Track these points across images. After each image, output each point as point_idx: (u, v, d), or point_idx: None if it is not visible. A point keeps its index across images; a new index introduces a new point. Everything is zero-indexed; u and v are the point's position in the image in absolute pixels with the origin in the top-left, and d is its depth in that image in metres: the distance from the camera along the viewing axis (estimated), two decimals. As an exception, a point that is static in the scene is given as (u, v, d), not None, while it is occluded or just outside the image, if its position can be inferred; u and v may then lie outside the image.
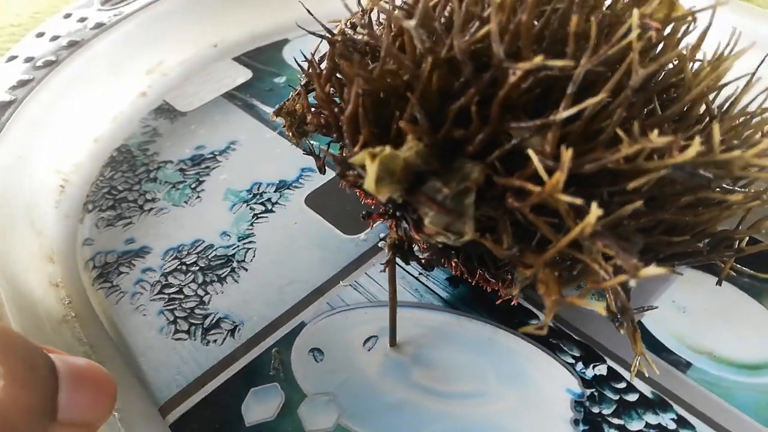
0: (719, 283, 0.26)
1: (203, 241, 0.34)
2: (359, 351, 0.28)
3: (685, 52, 0.22)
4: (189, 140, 0.40)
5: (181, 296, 0.31)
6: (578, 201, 0.17)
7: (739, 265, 0.26)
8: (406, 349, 0.28)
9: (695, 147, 0.17)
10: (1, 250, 0.31)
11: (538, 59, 0.17)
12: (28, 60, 0.40)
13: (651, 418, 0.25)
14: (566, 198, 0.17)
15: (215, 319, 0.30)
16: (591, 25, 0.19)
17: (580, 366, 0.27)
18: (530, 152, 0.18)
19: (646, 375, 0.26)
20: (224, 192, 0.37)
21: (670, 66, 0.23)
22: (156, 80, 0.44)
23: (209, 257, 0.33)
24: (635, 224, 0.21)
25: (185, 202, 0.36)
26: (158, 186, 0.38)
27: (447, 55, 0.19)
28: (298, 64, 0.24)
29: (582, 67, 0.18)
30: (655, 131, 0.17)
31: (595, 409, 0.26)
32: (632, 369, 0.25)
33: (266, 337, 0.29)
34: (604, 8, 0.21)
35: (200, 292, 0.31)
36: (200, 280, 0.32)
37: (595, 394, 0.26)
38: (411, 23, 0.18)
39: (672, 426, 0.25)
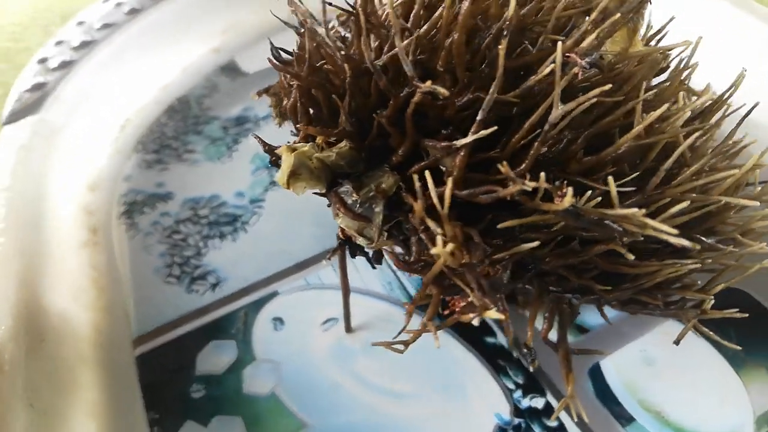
0: (677, 342, 0.24)
1: (220, 197, 0.36)
2: (316, 329, 0.30)
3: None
4: (240, 101, 0.43)
5: (184, 244, 0.34)
6: (439, 231, 0.17)
7: (706, 329, 0.24)
8: (359, 336, 0.29)
9: (568, 198, 0.16)
10: (46, 172, 0.36)
11: (427, 84, 0.17)
12: (118, 5, 0.44)
13: (568, 464, 0.24)
14: (430, 223, 0.17)
15: (204, 272, 0.33)
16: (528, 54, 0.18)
17: (518, 394, 0.26)
18: (428, 179, 0.18)
19: (586, 420, 0.25)
20: (252, 155, 0.39)
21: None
22: (231, 39, 0.47)
23: (219, 213, 0.35)
24: (555, 263, 0.21)
25: (218, 159, 0.39)
26: (200, 139, 0.40)
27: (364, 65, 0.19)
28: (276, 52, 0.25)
29: (490, 96, 0.18)
30: (542, 175, 0.17)
31: (516, 440, 0.25)
32: (556, 409, 0.24)
33: (241, 297, 0.31)
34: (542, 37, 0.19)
35: (200, 244, 0.34)
36: (204, 233, 0.35)
37: (523, 425, 0.25)
38: (321, 30, 0.18)
39: (587, 477, 0.24)
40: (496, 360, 0.27)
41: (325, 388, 0.27)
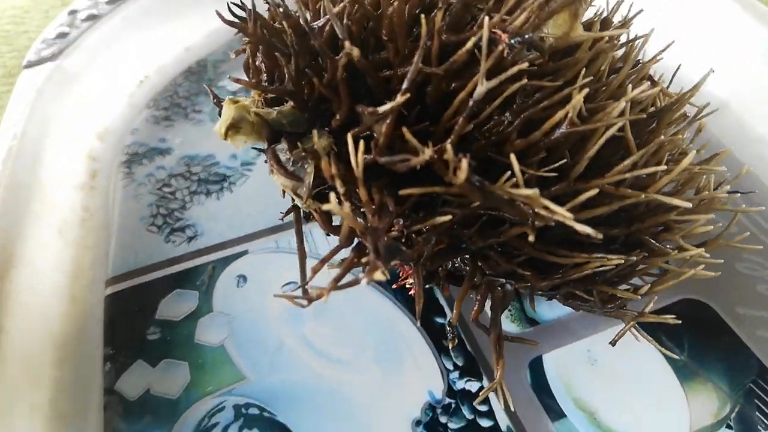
0: (612, 342, 0.24)
1: (214, 157, 0.38)
2: (275, 289, 0.30)
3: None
4: (253, 68, 0.44)
5: (172, 197, 0.35)
6: (341, 203, 0.17)
7: (645, 333, 0.23)
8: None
9: (462, 170, 0.16)
10: (56, 116, 0.37)
11: (356, 52, 0.17)
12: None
13: (488, 448, 0.24)
14: (339, 185, 0.17)
15: (183, 225, 0.34)
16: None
17: (455, 375, 0.26)
18: (350, 141, 0.18)
19: (512, 409, 0.25)
20: (253, 120, 0.40)
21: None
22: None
23: (210, 172, 0.37)
24: (478, 242, 0.21)
25: (220, 121, 0.40)
26: (209, 101, 0.42)
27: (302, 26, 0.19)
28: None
29: (414, 67, 0.18)
30: (448, 146, 0.17)
31: (443, 419, 0.25)
32: (482, 393, 0.24)
33: (212, 252, 0.32)
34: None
35: (186, 198, 0.35)
36: (193, 189, 0.36)
37: (452, 405, 0.25)
38: None
39: (504, 464, 0.24)
40: (441, 340, 0.28)
41: (270, 346, 0.28)
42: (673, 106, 0.22)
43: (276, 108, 0.21)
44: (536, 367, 0.26)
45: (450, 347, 0.25)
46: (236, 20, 0.22)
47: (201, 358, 0.28)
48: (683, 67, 0.26)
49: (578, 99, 0.18)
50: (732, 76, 0.36)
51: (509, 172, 0.18)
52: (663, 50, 0.25)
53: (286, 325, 0.29)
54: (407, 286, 0.28)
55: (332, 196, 0.17)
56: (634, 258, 0.20)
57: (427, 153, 0.17)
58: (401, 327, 0.28)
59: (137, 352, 0.28)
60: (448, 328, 0.23)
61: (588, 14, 0.24)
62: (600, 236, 0.17)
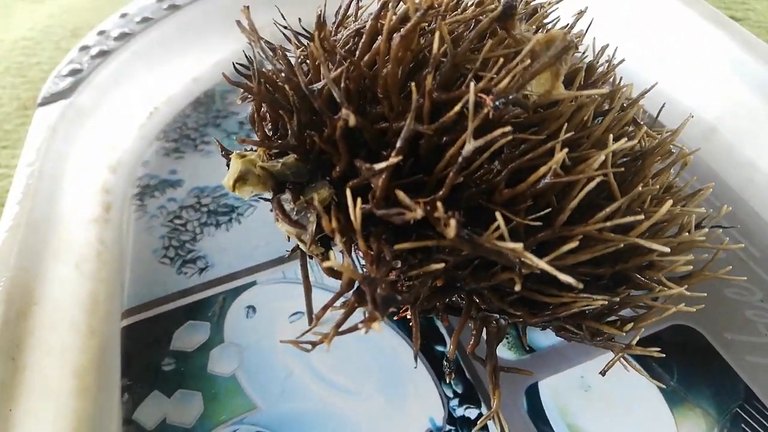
0: (602, 372, 0.25)
1: (222, 188, 0.39)
2: (283, 320, 0.32)
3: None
4: (259, 98, 0.45)
5: (183, 229, 0.37)
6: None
7: (634, 362, 0.25)
8: (320, 331, 0.31)
9: (451, 227, 0.17)
10: (70, 152, 0.39)
11: (352, 119, 0.19)
12: (159, 1, 0.48)
13: (486, 474, 0.26)
14: (338, 238, 0.19)
15: (195, 256, 0.35)
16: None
17: (455, 402, 0.28)
18: (348, 196, 0.20)
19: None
20: (259, 151, 0.41)
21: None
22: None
23: (219, 203, 0.38)
24: (471, 284, 0.22)
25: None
26: (217, 132, 0.43)
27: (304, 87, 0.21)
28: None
29: (407, 126, 0.19)
30: (439, 205, 0.18)
31: (444, 446, 0.26)
32: (479, 422, 0.26)
33: (222, 283, 0.34)
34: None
35: (197, 230, 0.37)
36: (203, 220, 0.37)
37: (452, 432, 0.27)
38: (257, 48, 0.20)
39: (502, 488, 0.25)
40: (441, 368, 0.29)
41: (279, 376, 0.29)
42: (655, 149, 0.23)
43: (280, 160, 0.23)
44: (532, 394, 0.28)
45: (447, 381, 0.27)
46: (242, 78, 0.23)
47: (214, 388, 0.29)
48: (672, 91, 0.28)
49: (560, 156, 0.19)
50: (719, 100, 0.37)
51: (496, 224, 0.19)
52: (644, 93, 0.26)
53: (294, 354, 0.30)
54: (408, 317, 0.29)
55: (331, 253, 0.18)
56: (617, 299, 0.22)
57: (419, 212, 0.18)
58: (403, 356, 0.30)
59: (153, 383, 0.30)
60: (445, 363, 0.24)
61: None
62: (581, 285, 0.18)
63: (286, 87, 0.21)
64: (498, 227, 0.19)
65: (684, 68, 0.40)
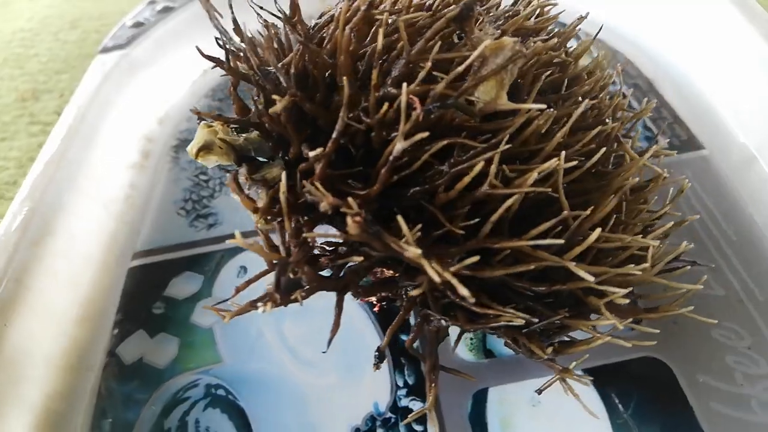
0: (539, 391, 0.24)
1: (249, 152, 0.41)
2: (266, 283, 0.33)
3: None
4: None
5: (204, 185, 0.39)
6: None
7: (569, 386, 0.24)
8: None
9: (351, 224, 0.18)
10: (119, 100, 0.42)
11: (279, 105, 0.19)
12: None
13: (412, 466, 0.26)
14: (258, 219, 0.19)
15: (208, 212, 0.37)
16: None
17: (403, 392, 0.28)
18: (283, 181, 0.21)
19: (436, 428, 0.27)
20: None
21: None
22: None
23: (242, 165, 0.40)
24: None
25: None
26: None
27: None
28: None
29: (341, 120, 0.20)
30: (350, 200, 0.19)
31: (380, 431, 0.27)
32: (411, 416, 0.26)
33: (225, 240, 0.36)
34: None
35: (216, 188, 0.39)
36: (224, 180, 0.39)
37: (392, 420, 0.27)
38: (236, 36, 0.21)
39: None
40: (400, 357, 0.29)
41: (251, 336, 0.31)
42: (619, 174, 0.22)
43: (243, 135, 0.24)
44: (479, 399, 0.28)
45: (374, 369, 0.27)
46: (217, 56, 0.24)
47: (191, 337, 0.32)
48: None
49: (493, 168, 0.19)
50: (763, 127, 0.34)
51: (419, 226, 0.20)
52: (616, 96, 0.25)
53: (269, 319, 0.32)
54: (373, 302, 0.30)
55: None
56: (537, 322, 0.21)
57: (327, 203, 0.18)
58: (368, 339, 0.30)
59: (141, 323, 0.32)
60: (376, 353, 0.24)
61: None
62: (473, 300, 0.18)
63: (248, 65, 0.22)
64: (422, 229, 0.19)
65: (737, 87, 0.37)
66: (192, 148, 0.24)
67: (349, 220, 0.18)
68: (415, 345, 0.29)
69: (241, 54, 0.23)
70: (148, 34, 0.45)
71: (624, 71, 0.42)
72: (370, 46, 0.21)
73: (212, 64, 0.25)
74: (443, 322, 0.25)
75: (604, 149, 0.21)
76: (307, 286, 0.21)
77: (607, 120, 0.25)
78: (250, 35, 0.23)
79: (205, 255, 0.35)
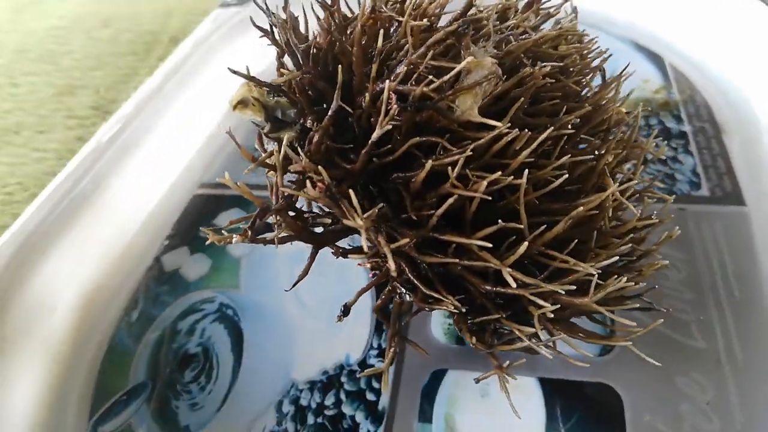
0: (476, 380, 0.27)
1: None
2: (297, 235, 0.38)
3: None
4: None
5: (275, 138, 0.44)
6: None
7: (506, 384, 0.26)
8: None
9: (310, 190, 0.21)
10: (225, 52, 0.48)
11: (281, 78, 0.23)
12: None
13: (357, 416, 0.29)
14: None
15: (269, 162, 0.42)
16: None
17: (374, 352, 0.32)
18: (284, 145, 0.24)
19: (386, 393, 0.30)
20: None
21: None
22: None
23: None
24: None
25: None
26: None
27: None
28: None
29: (335, 102, 0.23)
30: (322, 170, 0.22)
31: (343, 379, 0.31)
32: (365, 372, 0.29)
33: (274, 190, 0.40)
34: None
35: (283, 142, 0.44)
36: (292, 136, 0.44)
37: (356, 373, 0.31)
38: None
39: None
40: (387, 318, 0.33)
41: (268, 274, 0.36)
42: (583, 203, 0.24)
43: (276, 98, 0.28)
44: (437, 377, 0.30)
45: (336, 321, 0.31)
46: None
47: (222, 262, 0.37)
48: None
49: (456, 172, 0.22)
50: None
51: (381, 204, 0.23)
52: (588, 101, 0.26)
53: (288, 262, 0.36)
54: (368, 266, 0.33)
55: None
56: (466, 311, 0.24)
57: (298, 166, 0.22)
58: (363, 299, 0.34)
59: (187, 241, 0.38)
60: (342, 307, 0.28)
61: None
62: (395, 273, 0.21)
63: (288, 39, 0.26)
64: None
65: None
66: (232, 101, 0.28)
67: (308, 183, 0.22)
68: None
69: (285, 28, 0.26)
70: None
71: (696, 111, 0.42)
72: (382, 44, 0.24)
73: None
74: (407, 297, 0.28)
75: (566, 175, 0.23)
76: (283, 233, 0.24)
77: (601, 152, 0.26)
78: (293, 15, 0.27)
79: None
